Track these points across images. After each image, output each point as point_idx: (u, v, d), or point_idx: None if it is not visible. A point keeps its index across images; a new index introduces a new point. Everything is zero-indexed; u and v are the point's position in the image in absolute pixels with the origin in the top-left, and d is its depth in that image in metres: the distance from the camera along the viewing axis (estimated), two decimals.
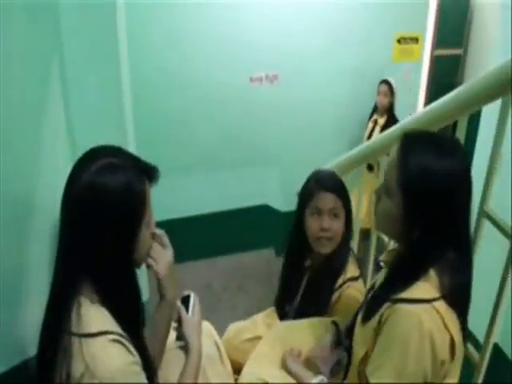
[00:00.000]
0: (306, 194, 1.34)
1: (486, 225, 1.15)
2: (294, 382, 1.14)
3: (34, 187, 1.30)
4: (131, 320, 0.90)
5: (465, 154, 0.91)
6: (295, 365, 1.17)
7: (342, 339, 1.19)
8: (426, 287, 0.86)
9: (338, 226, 1.31)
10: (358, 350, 0.96)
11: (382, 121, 3.14)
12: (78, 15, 1.52)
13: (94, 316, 0.82)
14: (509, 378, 1.59)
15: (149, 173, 0.88)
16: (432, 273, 0.87)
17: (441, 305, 0.84)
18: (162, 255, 1.00)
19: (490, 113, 1.61)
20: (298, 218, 1.38)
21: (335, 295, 1.33)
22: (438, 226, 0.87)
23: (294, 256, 1.46)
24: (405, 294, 0.86)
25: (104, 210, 0.81)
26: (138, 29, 2.51)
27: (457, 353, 0.86)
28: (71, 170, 0.85)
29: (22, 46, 1.25)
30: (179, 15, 2.66)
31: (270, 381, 1.15)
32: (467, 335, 0.93)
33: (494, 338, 1.14)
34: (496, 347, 1.23)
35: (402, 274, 0.90)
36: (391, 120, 3.06)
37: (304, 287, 1.44)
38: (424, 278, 0.87)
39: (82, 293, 0.83)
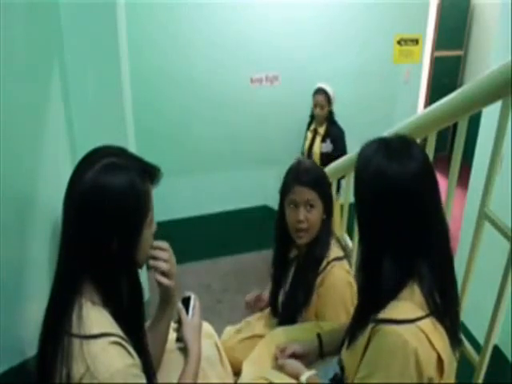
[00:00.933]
0: (285, 188, 1.41)
1: (486, 226, 1.15)
2: (294, 381, 1.14)
3: (35, 185, 1.30)
4: (133, 321, 0.91)
5: (420, 158, 0.86)
6: (284, 361, 1.18)
7: (324, 352, 1.22)
8: (408, 307, 0.84)
9: (314, 217, 1.36)
10: (350, 373, 0.95)
11: (322, 130, 2.99)
12: (79, 15, 1.52)
13: (95, 318, 0.82)
14: (508, 379, 1.59)
15: (151, 173, 0.89)
16: (416, 288, 0.85)
17: (425, 323, 0.82)
18: (173, 269, 1.00)
19: (490, 114, 1.61)
20: (280, 211, 1.44)
21: (320, 277, 1.36)
22: (397, 238, 0.85)
23: (280, 248, 1.51)
24: (388, 315, 0.84)
25: (108, 210, 0.81)
26: (138, 29, 2.51)
27: (446, 369, 0.84)
28: (74, 169, 0.85)
29: (23, 46, 1.25)
30: (180, 16, 2.67)
31: (271, 378, 1.14)
32: (461, 342, 0.92)
33: (494, 340, 1.14)
34: (495, 348, 1.22)
35: (376, 295, 0.88)
36: (332, 128, 2.96)
37: (292, 276, 1.47)
38: (408, 294, 0.85)
39: (84, 294, 0.83)
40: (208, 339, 1.22)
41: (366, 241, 0.91)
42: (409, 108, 3.33)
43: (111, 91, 1.69)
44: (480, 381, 1.15)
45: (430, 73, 4.77)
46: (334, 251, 1.38)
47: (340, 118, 3.09)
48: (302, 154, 3.15)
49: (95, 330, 0.79)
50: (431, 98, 4.53)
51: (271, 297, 1.55)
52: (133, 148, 1.90)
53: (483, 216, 1.14)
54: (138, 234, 0.86)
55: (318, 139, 3.01)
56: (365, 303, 0.92)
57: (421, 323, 0.81)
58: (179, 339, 1.10)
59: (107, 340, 0.79)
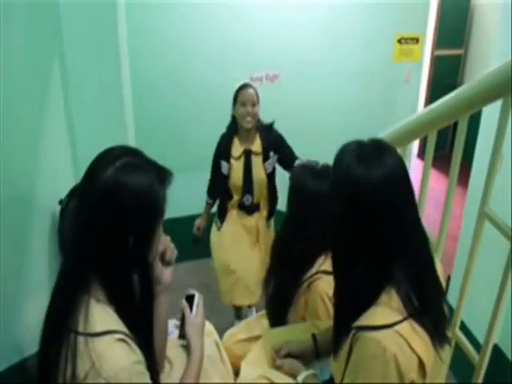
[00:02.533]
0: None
1: (486, 225, 1.15)
2: (294, 381, 1.14)
3: (34, 184, 1.30)
4: (143, 319, 0.91)
5: (391, 164, 0.85)
6: (282, 361, 1.20)
7: (320, 352, 1.23)
8: (385, 312, 0.84)
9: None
10: (336, 378, 0.96)
11: (255, 146, 2.24)
12: (79, 14, 1.52)
13: (100, 315, 0.82)
14: (508, 379, 1.58)
15: (165, 175, 0.90)
16: (393, 292, 0.84)
17: (404, 327, 0.82)
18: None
19: (490, 113, 1.61)
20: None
21: (306, 283, 1.36)
22: (366, 242, 0.85)
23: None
24: (366, 321, 0.84)
25: (128, 209, 0.82)
26: (138, 29, 2.51)
27: (428, 371, 0.84)
28: (90, 167, 0.85)
29: (23, 45, 1.25)
30: (180, 15, 2.66)
31: (272, 378, 1.15)
32: (448, 339, 0.90)
33: (494, 339, 1.14)
34: (495, 347, 1.22)
35: (353, 302, 0.88)
36: (267, 133, 2.19)
37: (274, 279, 1.50)
38: (386, 299, 0.85)
39: (89, 292, 0.84)
40: (208, 337, 1.22)
41: (339, 247, 0.92)
42: (409, 107, 3.33)
43: (111, 91, 1.69)
44: (480, 380, 1.15)
45: (430, 72, 4.77)
46: (327, 264, 1.36)
47: (340, 117, 3.09)
48: (227, 197, 2.22)
49: (100, 328, 0.80)
50: (431, 97, 4.52)
51: (266, 300, 1.55)
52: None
53: (483, 215, 1.14)
54: (154, 233, 0.88)
55: (257, 161, 2.15)
56: (342, 311, 0.92)
57: (399, 327, 0.81)
58: (182, 336, 1.10)
59: (112, 337, 0.79)
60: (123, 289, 0.87)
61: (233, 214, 2.27)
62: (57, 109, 1.49)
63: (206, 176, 2.33)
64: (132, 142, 1.95)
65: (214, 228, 2.33)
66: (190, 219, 2.43)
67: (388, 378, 0.81)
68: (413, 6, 3.09)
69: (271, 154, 2.18)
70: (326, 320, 1.32)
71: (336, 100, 3.17)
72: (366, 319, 0.85)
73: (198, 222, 2.37)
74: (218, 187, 2.27)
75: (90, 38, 1.57)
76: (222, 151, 2.19)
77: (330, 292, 1.30)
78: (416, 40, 3.19)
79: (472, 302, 1.27)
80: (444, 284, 0.98)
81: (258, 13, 2.78)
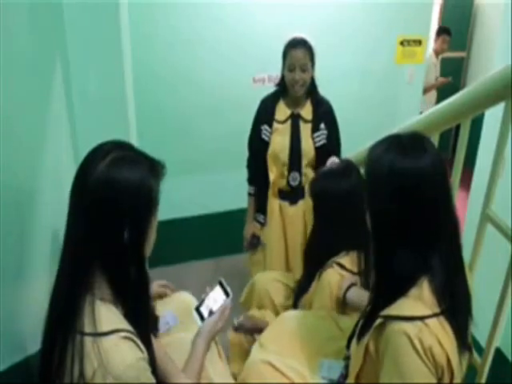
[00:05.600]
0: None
1: (489, 228, 1.15)
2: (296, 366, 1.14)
3: (35, 182, 1.30)
4: (141, 315, 0.91)
5: (434, 151, 0.87)
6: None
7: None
8: (416, 304, 0.83)
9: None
10: (354, 365, 0.95)
11: (306, 111, 1.91)
12: (81, 14, 1.53)
13: (105, 315, 0.82)
14: (509, 380, 1.58)
15: (158, 168, 0.90)
16: (425, 286, 0.84)
17: (433, 322, 0.81)
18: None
19: (492, 116, 1.61)
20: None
21: (318, 273, 1.40)
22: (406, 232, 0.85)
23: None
24: (394, 311, 0.83)
25: (121, 202, 0.82)
26: (142, 30, 2.52)
27: (455, 372, 0.82)
28: (82, 163, 0.86)
29: (26, 44, 1.26)
30: (181, 16, 2.67)
31: (275, 363, 1.14)
32: (470, 350, 0.90)
33: (497, 342, 1.14)
34: (496, 349, 1.22)
35: (387, 290, 0.88)
36: (320, 104, 1.94)
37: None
38: (416, 292, 0.84)
39: (93, 291, 0.84)
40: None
41: (380, 237, 0.91)
42: (411, 109, 3.32)
43: (114, 90, 1.69)
44: (483, 381, 1.15)
45: None
46: (345, 260, 1.39)
47: (342, 118, 3.08)
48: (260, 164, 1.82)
49: (107, 327, 0.80)
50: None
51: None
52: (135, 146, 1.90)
53: (486, 218, 1.14)
54: (148, 224, 0.88)
55: (306, 128, 1.81)
56: (376, 300, 0.92)
57: (429, 321, 0.80)
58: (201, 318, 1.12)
59: (118, 335, 0.80)
60: (123, 282, 0.87)
61: (273, 210, 1.83)
62: (59, 107, 1.49)
63: (208, 176, 2.32)
64: (134, 141, 1.95)
65: (252, 226, 1.93)
66: (192, 220, 2.43)
67: (424, 367, 0.79)
68: (416, 9, 3.09)
69: (322, 125, 1.82)
70: (328, 305, 1.35)
71: (338, 101, 3.15)
72: (394, 309, 0.84)
73: (248, 230, 1.94)
74: (260, 167, 1.79)
75: (93, 36, 1.57)
76: (264, 114, 1.80)
77: (335, 280, 1.36)
78: (419, 42, 3.19)
79: (474, 304, 1.27)
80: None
81: (260, 13, 2.78)
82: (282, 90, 1.81)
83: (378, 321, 0.85)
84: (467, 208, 2.05)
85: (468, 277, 0.94)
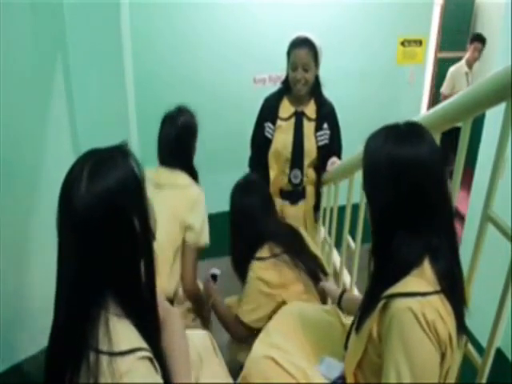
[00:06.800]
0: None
1: (490, 228, 1.15)
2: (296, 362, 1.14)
3: (37, 183, 1.30)
4: (152, 329, 0.90)
5: (430, 138, 0.89)
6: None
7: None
8: (418, 281, 0.84)
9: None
10: (352, 359, 0.95)
11: (309, 110, 1.94)
12: (82, 14, 1.53)
13: (122, 332, 0.80)
14: (509, 379, 1.58)
15: (125, 149, 0.86)
16: (426, 266, 0.86)
17: (435, 299, 0.83)
18: None
19: (493, 116, 1.61)
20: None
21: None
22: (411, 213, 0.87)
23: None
24: (398, 289, 0.84)
25: (123, 206, 0.80)
26: (142, 30, 2.52)
27: (454, 348, 0.84)
28: (62, 193, 0.81)
29: (26, 43, 1.26)
30: (182, 16, 2.67)
31: (278, 358, 1.14)
32: (467, 339, 0.92)
33: (497, 343, 1.14)
34: (497, 349, 1.22)
35: (389, 274, 0.89)
36: (323, 104, 2.01)
37: None
38: (418, 272, 0.85)
39: (107, 307, 0.81)
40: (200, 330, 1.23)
41: (381, 224, 0.92)
42: (412, 109, 3.32)
43: (114, 90, 1.70)
44: (483, 381, 1.15)
45: (433, 74, 4.76)
46: (264, 251, 1.47)
47: (342, 118, 3.08)
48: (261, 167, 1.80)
49: (124, 346, 0.77)
50: (434, 100, 4.52)
51: None
52: (136, 147, 1.90)
53: (487, 218, 1.14)
54: (147, 206, 0.86)
55: (309, 126, 1.81)
56: (376, 285, 0.92)
57: (431, 298, 0.82)
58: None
59: (136, 356, 0.77)
60: (132, 295, 0.84)
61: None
62: (60, 108, 1.49)
63: (208, 176, 2.34)
64: (135, 142, 1.95)
65: None
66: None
67: (429, 343, 0.80)
68: (416, 9, 3.09)
69: (325, 125, 1.83)
70: None
71: (339, 102, 3.16)
72: (398, 287, 0.85)
73: None
74: (262, 166, 1.80)
75: (94, 36, 1.58)
76: (267, 112, 1.81)
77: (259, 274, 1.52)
78: (419, 42, 3.19)
79: (475, 304, 1.27)
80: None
81: (260, 14, 2.79)
82: (286, 88, 1.82)
83: (382, 302, 0.86)
84: (468, 208, 2.05)
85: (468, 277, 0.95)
